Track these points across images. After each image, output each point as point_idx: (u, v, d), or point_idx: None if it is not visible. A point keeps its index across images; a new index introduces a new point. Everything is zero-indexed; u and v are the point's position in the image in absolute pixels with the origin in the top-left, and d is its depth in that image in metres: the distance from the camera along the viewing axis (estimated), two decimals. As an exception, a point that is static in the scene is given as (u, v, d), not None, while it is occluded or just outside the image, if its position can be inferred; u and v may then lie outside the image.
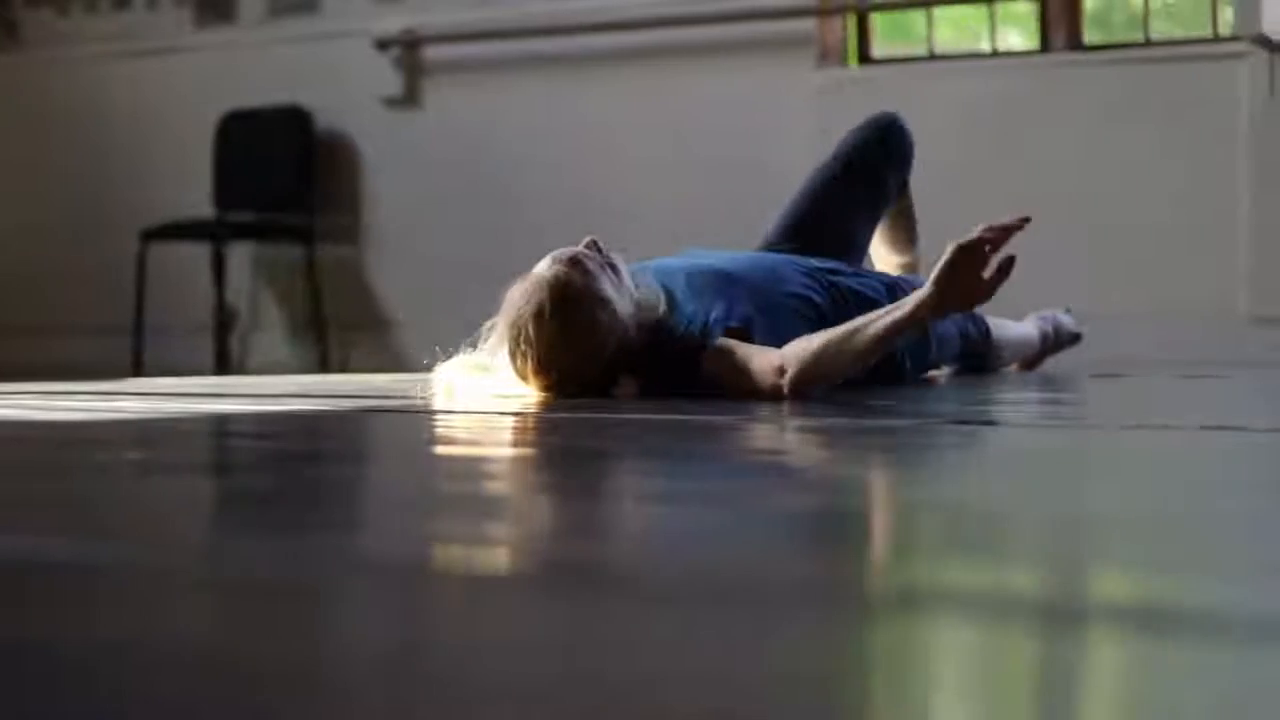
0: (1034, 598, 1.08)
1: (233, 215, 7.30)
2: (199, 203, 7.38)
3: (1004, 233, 3.02)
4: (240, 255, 7.51)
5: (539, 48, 7.02)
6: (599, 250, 3.40)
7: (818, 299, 3.56)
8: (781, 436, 2.59)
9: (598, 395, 3.33)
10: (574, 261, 3.33)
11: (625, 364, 3.35)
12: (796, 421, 2.72)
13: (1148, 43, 6.19)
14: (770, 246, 3.97)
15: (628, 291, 3.38)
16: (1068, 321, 4.84)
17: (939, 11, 6.60)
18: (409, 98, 7.28)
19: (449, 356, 3.59)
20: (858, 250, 4.09)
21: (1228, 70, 5.85)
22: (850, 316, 3.24)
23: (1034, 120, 6.10)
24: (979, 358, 4.31)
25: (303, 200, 7.30)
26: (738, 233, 5.71)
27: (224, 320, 7.32)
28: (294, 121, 7.33)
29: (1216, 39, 6.07)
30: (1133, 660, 0.88)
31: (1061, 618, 0.99)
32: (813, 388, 3.13)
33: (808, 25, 6.56)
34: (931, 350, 3.90)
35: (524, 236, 6.99)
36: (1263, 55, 5.71)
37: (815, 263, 3.74)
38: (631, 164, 6.80)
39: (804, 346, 3.12)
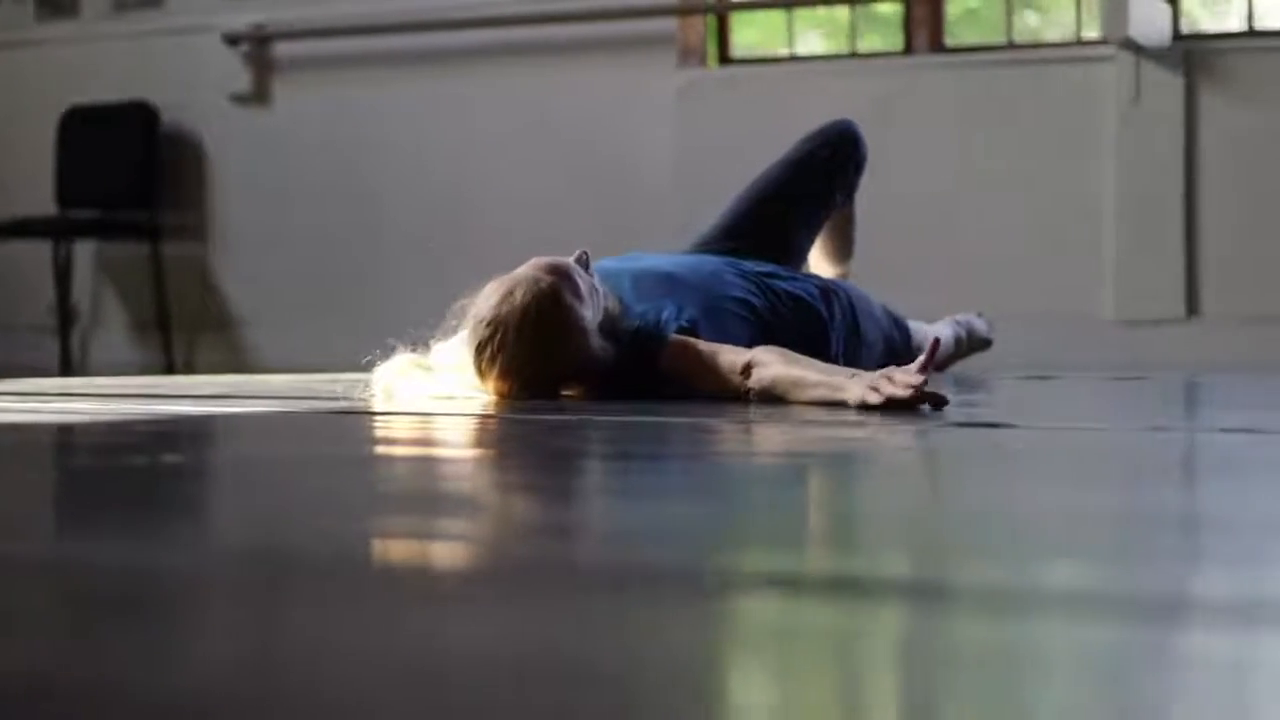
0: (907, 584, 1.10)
1: (75, 213, 7.16)
2: (41, 200, 7.22)
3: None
4: (83, 253, 7.37)
5: (393, 44, 6.96)
6: (585, 267, 3.34)
7: (756, 302, 3.53)
8: (742, 436, 2.58)
9: (548, 398, 3.28)
10: (565, 276, 3.26)
11: (582, 372, 3.30)
12: (765, 423, 2.72)
13: (1010, 45, 6.26)
14: (705, 246, 3.93)
15: (601, 307, 3.33)
16: (981, 326, 4.85)
17: (805, 14, 6.65)
18: (258, 94, 7.18)
19: (386, 355, 3.46)
20: (797, 255, 4.06)
21: (1093, 74, 5.93)
22: (786, 319, 3.36)
23: (897, 122, 6.14)
24: (899, 359, 4.33)
25: (148, 197, 7.17)
26: (596, 232, 5.73)
27: (66, 319, 7.18)
28: (139, 117, 7.19)
29: (1080, 43, 6.16)
30: (981, 636, 0.91)
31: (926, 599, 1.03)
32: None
33: (669, 25, 6.57)
34: (862, 358, 3.91)
35: (374, 236, 6.95)
36: (1129, 59, 5.79)
37: (751, 265, 3.72)
38: (488, 163, 6.76)
39: (769, 368, 3.11)
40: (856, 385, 2.87)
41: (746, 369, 3.13)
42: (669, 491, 1.73)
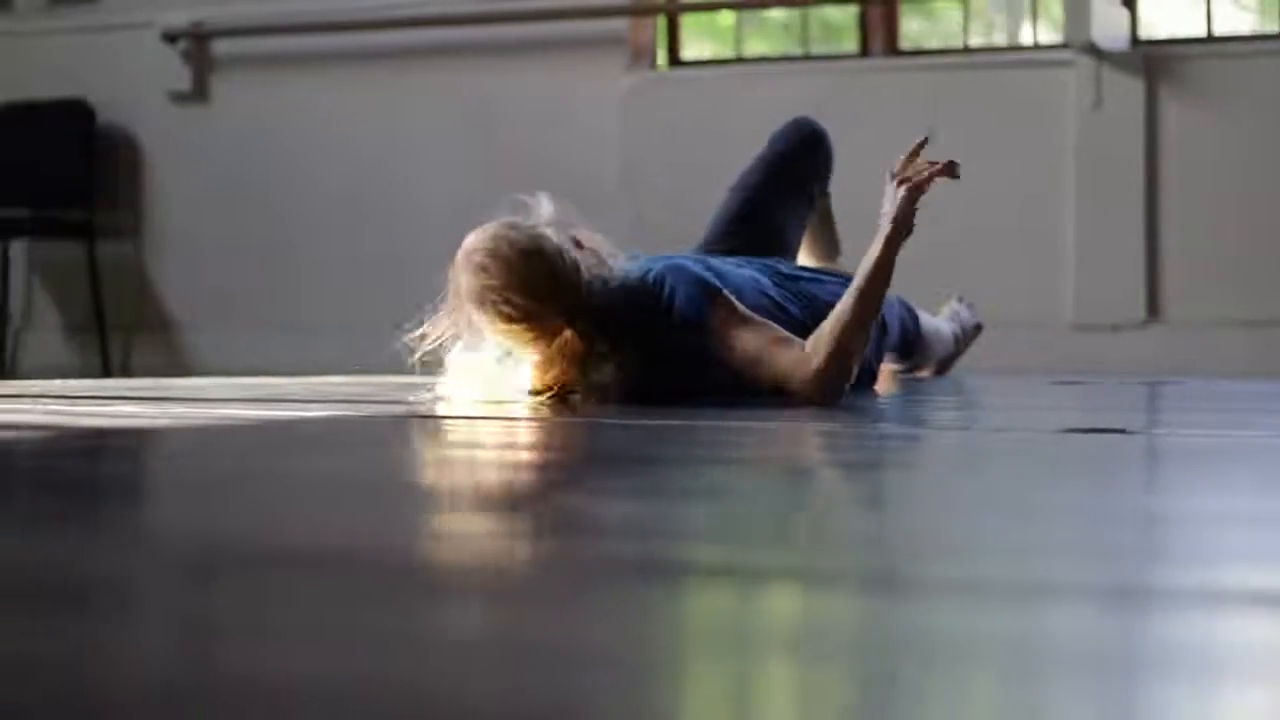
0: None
1: (8, 211, 7.01)
2: (-29, 198, 7.08)
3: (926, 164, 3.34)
4: (15, 253, 7.23)
5: (335, 43, 6.87)
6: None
7: (792, 309, 3.47)
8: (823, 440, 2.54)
9: (582, 386, 3.19)
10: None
11: (608, 327, 3.19)
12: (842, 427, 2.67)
13: (967, 49, 6.25)
14: (708, 249, 3.89)
15: (598, 258, 3.26)
16: (966, 315, 4.86)
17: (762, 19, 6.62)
18: (196, 92, 7.07)
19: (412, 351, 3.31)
20: (791, 252, 4.04)
21: (1053, 79, 5.93)
22: (819, 316, 3.25)
23: (850, 125, 6.10)
24: (910, 348, 4.31)
25: (83, 197, 7.04)
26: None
27: (1, 320, 7.05)
28: (74, 115, 7.06)
29: (1038, 47, 6.16)
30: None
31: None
32: (840, 374, 3.07)
33: (619, 26, 6.51)
34: (884, 347, 3.88)
35: (312, 237, 6.85)
36: (1089, 64, 5.79)
37: (786, 269, 3.69)
38: (431, 164, 6.69)
39: (815, 335, 3.10)
40: (890, 222, 3.18)
41: (806, 354, 3.07)
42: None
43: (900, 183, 3.29)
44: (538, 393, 3.17)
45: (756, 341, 3.14)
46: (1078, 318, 5.87)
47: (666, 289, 3.22)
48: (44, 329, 7.30)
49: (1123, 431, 2.47)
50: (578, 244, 3.24)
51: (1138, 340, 5.80)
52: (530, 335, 3.15)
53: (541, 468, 1.99)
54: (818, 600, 1.01)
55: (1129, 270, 5.83)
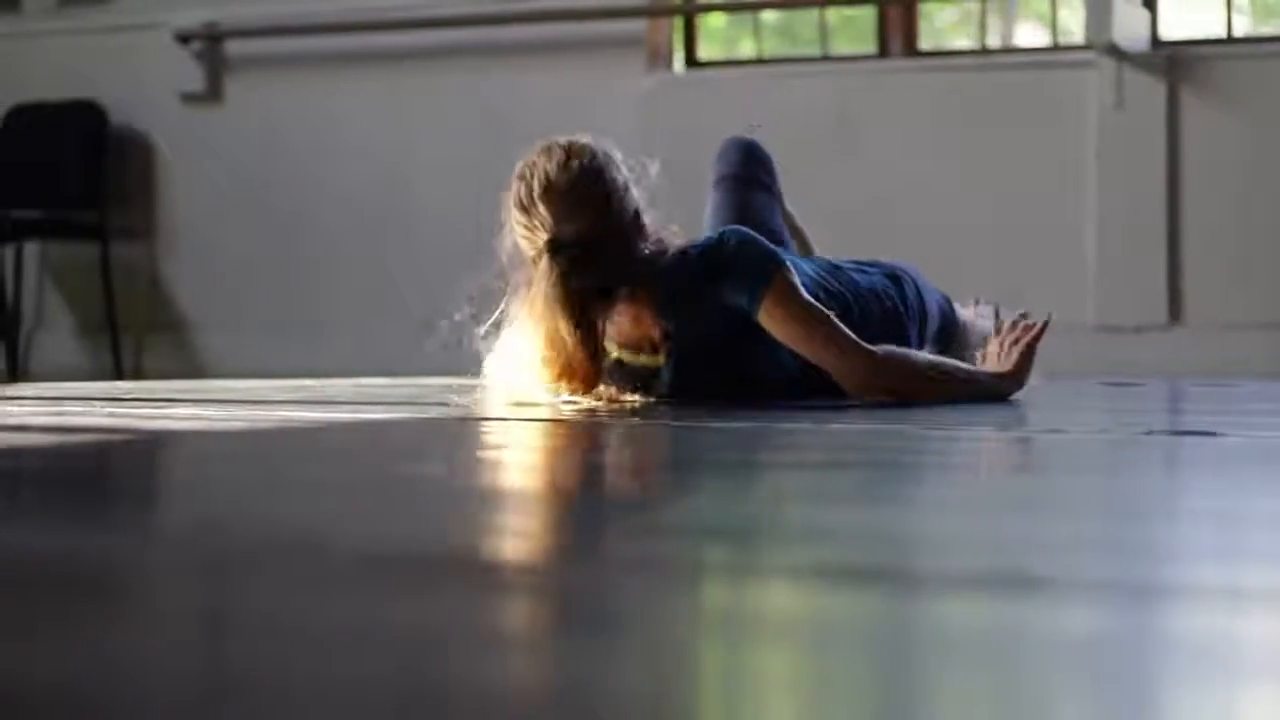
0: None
1: (20, 213, 6.99)
2: (-16, 199, 7.06)
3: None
4: (28, 255, 7.21)
5: (350, 44, 6.85)
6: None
7: (846, 297, 3.47)
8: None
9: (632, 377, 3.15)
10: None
11: (656, 284, 3.15)
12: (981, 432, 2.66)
13: (986, 50, 6.24)
14: None
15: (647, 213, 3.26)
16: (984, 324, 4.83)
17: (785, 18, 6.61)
18: (210, 93, 7.05)
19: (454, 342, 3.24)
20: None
21: (1074, 79, 5.92)
22: (871, 316, 3.39)
23: (870, 126, 6.11)
24: (950, 337, 4.28)
25: (95, 198, 7.01)
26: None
27: (9, 322, 7.02)
28: (87, 116, 7.04)
29: (1058, 48, 6.15)
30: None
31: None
32: (877, 385, 3.15)
33: (636, 27, 6.50)
34: (927, 336, 3.88)
35: (326, 239, 6.83)
36: (1110, 64, 5.77)
37: (826, 258, 3.70)
38: (448, 166, 6.66)
39: (888, 348, 3.21)
40: (1000, 379, 3.26)
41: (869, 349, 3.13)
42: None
43: (1014, 343, 3.44)
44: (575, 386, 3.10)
45: (809, 325, 3.15)
46: (1100, 319, 5.86)
47: (731, 245, 3.21)
48: (56, 330, 7.27)
49: (1211, 434, 2.46)
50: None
51: (1160, 342, 5.79)
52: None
53: (718, 474, 1.95)
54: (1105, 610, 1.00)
55: (1151, 272, 5.82)
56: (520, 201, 3.18)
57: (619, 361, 3.25)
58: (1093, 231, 5.88)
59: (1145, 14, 5.78)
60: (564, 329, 3.03)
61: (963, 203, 5.98)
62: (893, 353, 3.19)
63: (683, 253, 3.22)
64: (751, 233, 3.30)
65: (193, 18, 6.99)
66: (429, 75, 6.73)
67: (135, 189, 7.13)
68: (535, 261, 3.12)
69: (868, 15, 6.41)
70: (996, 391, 3.32)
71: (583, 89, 6.45)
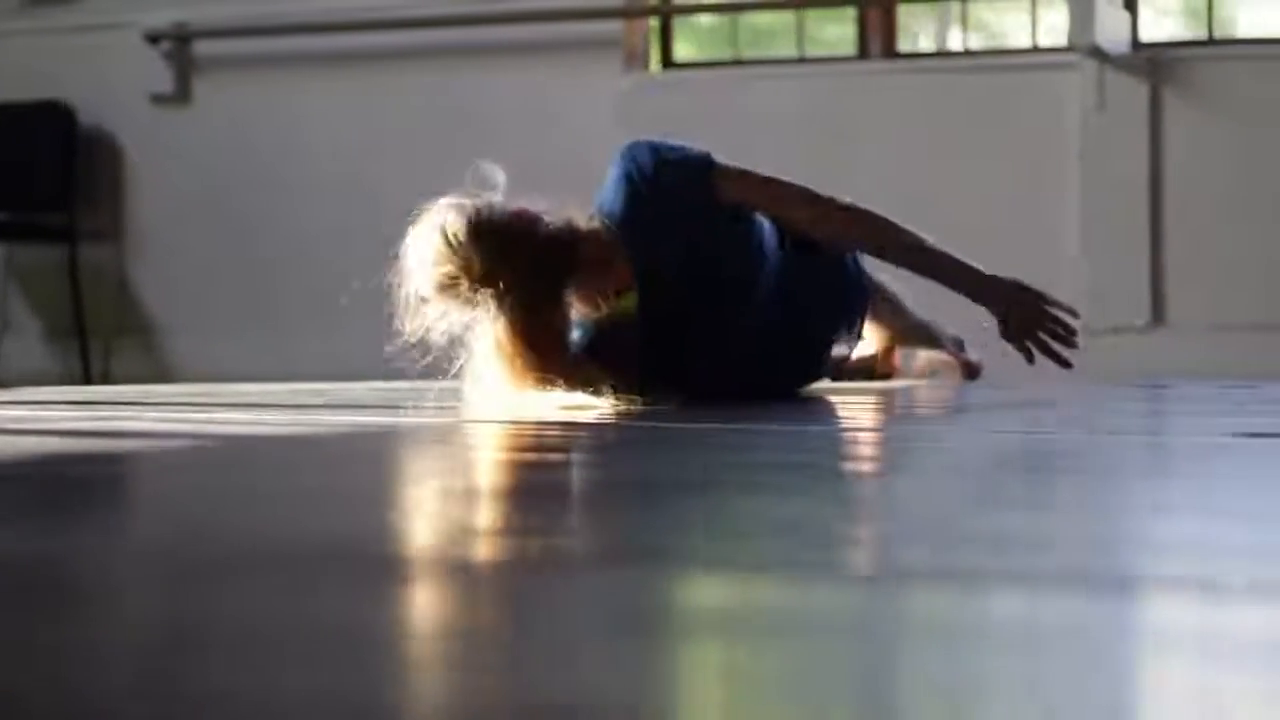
0: None
1: (-14, 215, 6.93)
2: (-50, 201, 6.98)
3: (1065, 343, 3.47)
4: (-6, 256, 7.15)
5: (322, 45, 6.79)
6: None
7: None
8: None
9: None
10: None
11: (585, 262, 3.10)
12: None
13: (967, 52, 6.22)
14: None
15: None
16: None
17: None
18: (179, 94, 6.98)
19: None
20: None
21: (1055, 81, 5.91)
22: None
23: (848, 128, 6.08)
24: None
25: (63, 200, 6.94)
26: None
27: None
28: (54, 117, 6.96)
29: (1038, 49, 6.13)
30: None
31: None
32: (858, 233, 3.30)
33: (612, 28, 6.46)
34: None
35: (299, 242, 6.77)
36: (1093, 66, 5.76)
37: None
38: (422, 168, 6.58)
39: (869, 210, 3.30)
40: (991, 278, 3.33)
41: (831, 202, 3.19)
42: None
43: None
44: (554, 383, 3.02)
45: (770, 182, 3.25)
46: (1081, 321, 5.82)
47: (652, 175, 3.22)
48: (23, 335, 7.19)
49: None
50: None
51: (1143, 343, 5.79)
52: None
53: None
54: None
55: (1133, 273, 5.81)
56: (441, 256, 3.06)
57: (598, 334, 3.18)
58: (1075, 233, 5.87)
59: (1126, 16, 5.77)
60: (536, 354, 2.98)
61: (944, 205, 5.95)
62: (871, 210, 3.26)
63: (601, 206, 3.26)
64: (654, 142, 3.31)
65: (161, 18, 6.92)
66: (400, 77, 6.68)
67: (104, 191, 7.06)
68: (472, 304, 3.04)
69: (847, 16, 6.39)
70: (980, 288, 3.40)
71: (558, 90, 6.41)
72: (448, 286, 3.01)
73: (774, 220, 3.29)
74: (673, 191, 3.22)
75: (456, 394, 3.11)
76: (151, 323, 7.04)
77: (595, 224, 3.23)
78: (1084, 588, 1.03)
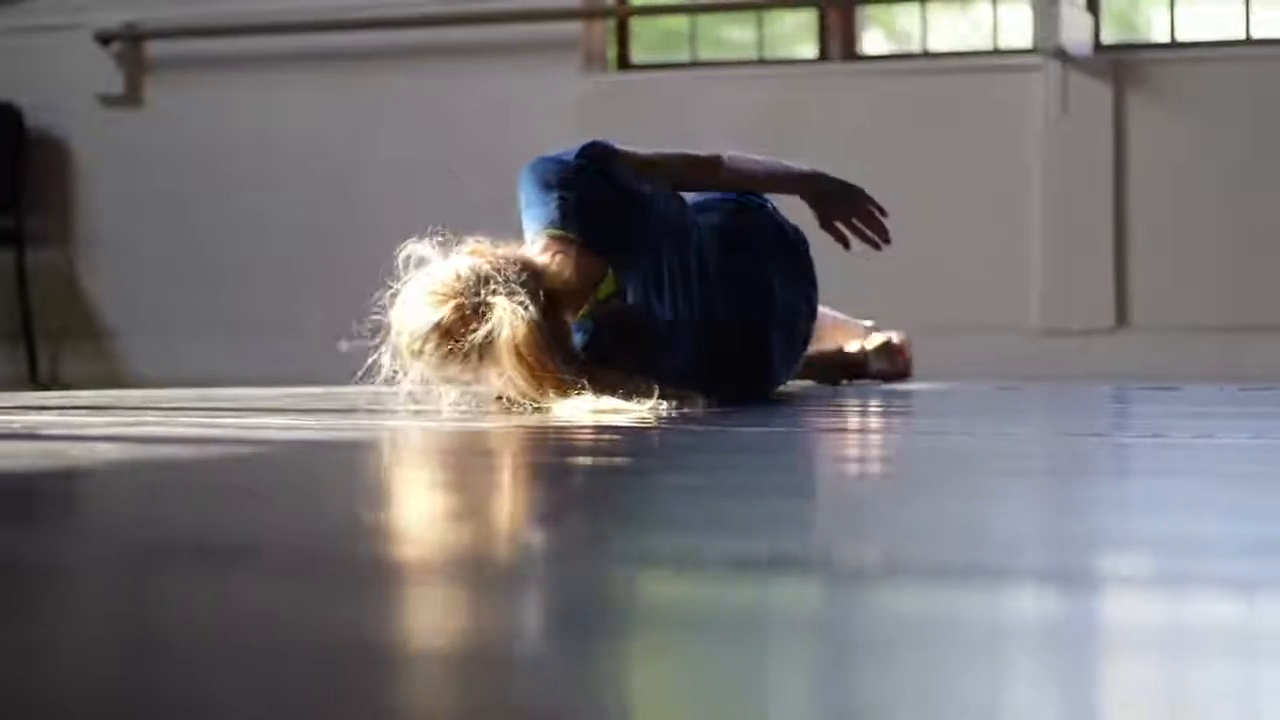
0: None
1: (-69, 217, 6.83)
2: (-104, 203, 6.87)
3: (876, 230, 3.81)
4: (-60, 259, 7.04)
5: (276, 45, 6.72)
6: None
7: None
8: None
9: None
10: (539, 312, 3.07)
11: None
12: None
13: (927, 54, 6.21)
14: None
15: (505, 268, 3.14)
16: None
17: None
18: (130, 96, 6.90)
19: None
20: None
21: (1018, 83, 5.90)
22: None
23: (807, 130, 6.06)
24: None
25: (11, 202, 6.86)
26: (498, 236, 5.55)
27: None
28: (2, 119, 6.87)
29: (999, 51, 6.13)
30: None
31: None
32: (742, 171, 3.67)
33: (571, 29, 6.42)
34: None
35: (252, 245, 6.70)
36: (1056, 69, 5.75)
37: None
38: (378, 169, 6.56)
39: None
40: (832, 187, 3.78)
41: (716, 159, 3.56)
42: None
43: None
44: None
45: (661, 158, 3.48)
46: (1045, 322, 5.84)
47: (571, 172, 3.37)
48: (-33, 338, 7.08)
49: None
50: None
51: (1106, 346, 5.78)
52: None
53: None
54: None
55: (1097, 276, 5.81)
56: (442, 298, 3.02)
57: (597, 328, 3.19)
58: (1037, 235, 5.86)
59: (1089, 18, 5.77)
60: (548, 367, 2.99)
61: (906, 207, 5.90)
62: (735, 156, 3.65)
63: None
64: (544, 155, 3.48)
65: (112, 18, 6.84)
66: (357, 77, 6.62)
67: (52, 193, 6.97)
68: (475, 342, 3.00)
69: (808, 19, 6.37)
70: (800, 185, 3.84)
71: (517, 92, 6.36)
72: (453, 327, 2.97)
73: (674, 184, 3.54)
74: (593, 172, 3.35)
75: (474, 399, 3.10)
76: (100, 326, 6.96)
77: (544, 239, 3.30)
78: (1052, 585, 1.04)
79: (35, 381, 6.79)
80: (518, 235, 3.47)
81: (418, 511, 1.53)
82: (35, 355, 6.90)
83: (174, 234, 6.83)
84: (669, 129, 6.07)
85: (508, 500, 1.58)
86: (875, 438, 2.41)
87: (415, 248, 3.14)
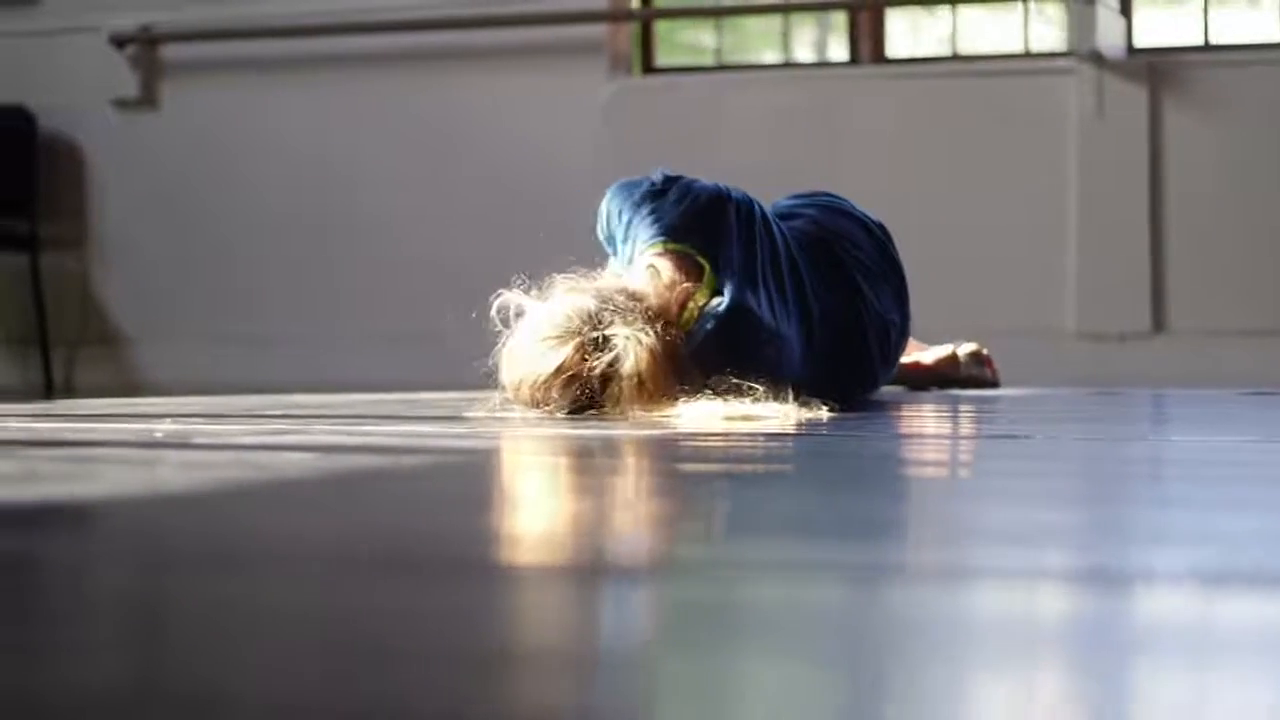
0: None
1: (-55, 222, 6.76)
2: (-91, 208, 6.80)
3: None
4: (-46, 264, 6.98)
5: (293, 49, 6.67)
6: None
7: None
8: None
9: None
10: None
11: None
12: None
13: (957, 58, 6.18)
14: None
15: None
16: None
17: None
18: (145, 99, 6.84)
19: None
20: None
21: (1052, 86, 5.86)
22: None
23: (838, 135, 6.01)
24: None
25: (25, 207, 6.79)
26: (518, 244, 5.50)
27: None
28: (15, 123, 6.81)
29: (1031, 55, 6.09)
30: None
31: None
32: None
33: (596, 32, 6.37)
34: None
35: (266, 250, 6.65)
36: (1090, 72, 5.72)
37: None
38: (397, 174, 6.50)
39: None
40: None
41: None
42: None
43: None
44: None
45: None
46: (1082, 327, 5.81)
47: (661, 181, 3.39)
48: (-19, 344, 7.03)
49: None
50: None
51: (1143, 350, 5.75)
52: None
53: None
54: None
55: (1134, 279, 5.78)
56: (569, 331, 3.01)
57: (704, 333, 3.17)
58: (1074, 239, 5.83)
59: (1123, 21, 5.74)
60: (671, 380, 2.99)
61: (941, 211, 5.90)
62: None
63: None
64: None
65: (127, 21, 6.78)
66: (373, 82, 6.57)
67: (67, 198, 6.91)
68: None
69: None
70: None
71: (542, 95, 6.32)
72: (577, 368, 2.96)
73: None
74: (677, 179, 3.38)
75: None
76: (116, 332, 6.90)
77: (639, 259, 3.28)
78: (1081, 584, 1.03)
79: (50, 389, 6.72)
80: (566, 244, 3.41)
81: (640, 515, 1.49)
82: (50, 362, 6.84)
83: (189, 239, 6.77)
84: (694, 132, 6.04)
85: (703, 510, 1.54)
86: (1040, 446, 2.34)
87: (509, 297, 3.07)
